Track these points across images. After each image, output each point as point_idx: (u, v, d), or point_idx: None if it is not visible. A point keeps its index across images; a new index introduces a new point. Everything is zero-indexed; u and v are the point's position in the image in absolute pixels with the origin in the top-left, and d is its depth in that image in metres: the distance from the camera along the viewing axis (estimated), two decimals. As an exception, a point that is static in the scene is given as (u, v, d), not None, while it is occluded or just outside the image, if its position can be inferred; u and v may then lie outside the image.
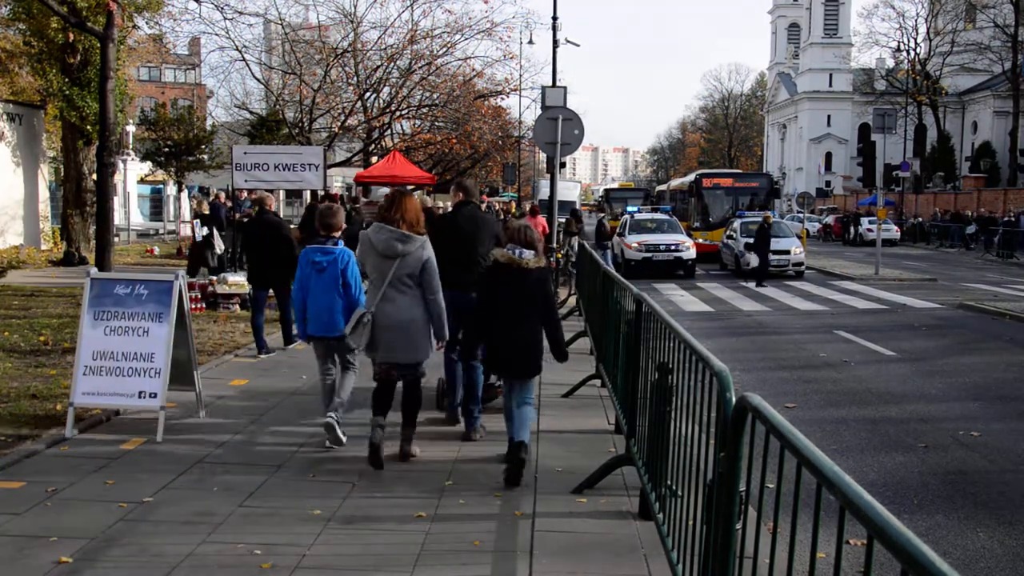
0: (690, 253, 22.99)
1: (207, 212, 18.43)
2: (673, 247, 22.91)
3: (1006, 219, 37.11)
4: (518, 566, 4.30)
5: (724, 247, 25.92)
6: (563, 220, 20.31)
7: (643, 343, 5.22)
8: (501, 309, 5.82)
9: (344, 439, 6.20)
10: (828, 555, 3.74)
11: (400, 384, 6.03)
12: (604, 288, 7.87)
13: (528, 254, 5.82)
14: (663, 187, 54.32)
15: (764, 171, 72.82)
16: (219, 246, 17.37)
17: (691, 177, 34.90)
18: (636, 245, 22.93)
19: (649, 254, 22.78)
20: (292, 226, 13.34)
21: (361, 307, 5.97)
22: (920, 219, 45.07)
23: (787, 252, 23.38)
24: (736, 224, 25.35)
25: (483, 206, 8.30)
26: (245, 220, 18.62)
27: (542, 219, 17.66)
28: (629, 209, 27.91)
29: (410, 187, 28.10)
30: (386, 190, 26.39)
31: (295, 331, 7.97)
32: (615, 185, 76.61)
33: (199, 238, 17.84)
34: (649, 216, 26.31)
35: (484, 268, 6.23)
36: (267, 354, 9.94)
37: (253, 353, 9.99)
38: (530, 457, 5.81)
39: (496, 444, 6.43)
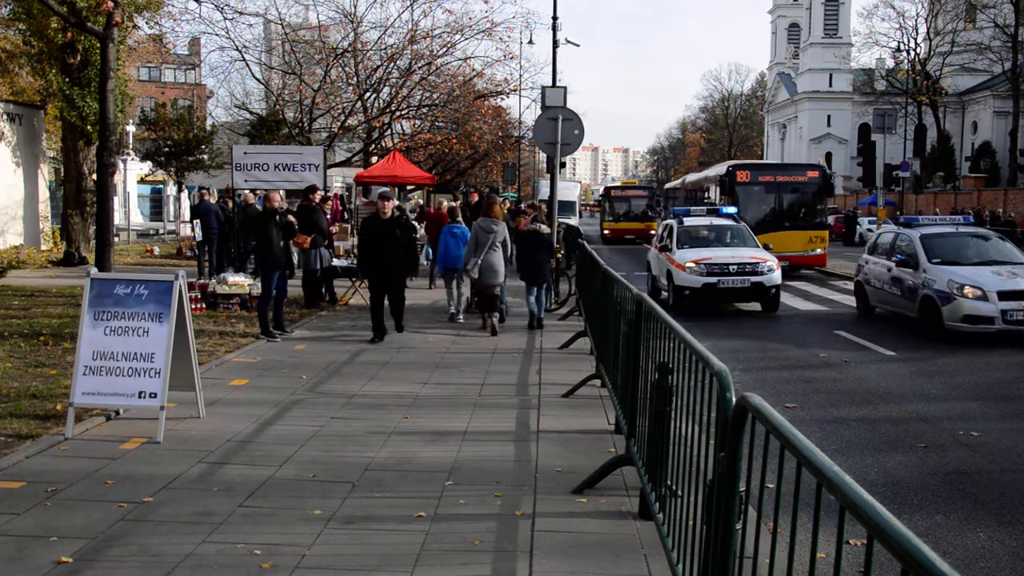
0: (773, 276, 15.49)
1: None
2: (749, 268, 15.46)
3: (1005, 219, 37.10)
4: (518, 566, 4.30)
5: (874, 279, 14.90)
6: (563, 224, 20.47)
7: (643, 343, 5.22)
8: (528, 253, 12.69)
9: (461, 320, 12.95)
10: (828, 555, 3.75)
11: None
12: (604, 288, 7.87)
13: (543, 227, 13.05)
14: (675, 183, 44.27)
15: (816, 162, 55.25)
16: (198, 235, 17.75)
17: (720, 169, 27.36)
18: (693, 265, 15.44)
19: (713, 278, 15.23)
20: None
21: (474, 257, 12.03)
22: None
23: None
24: (913, 238, 13.92)
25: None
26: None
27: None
28: (676, 210, 19.24)
29: (409, 188, 28.18)
30: (385, 190, 26.51)
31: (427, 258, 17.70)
32: (617, 184, 72.46)
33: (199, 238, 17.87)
34: (706, 221, 17.93)
35: (517, 235, 13.45)
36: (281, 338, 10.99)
37: (254, 352, 10.02)
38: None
39: (495, 443, 6.45)
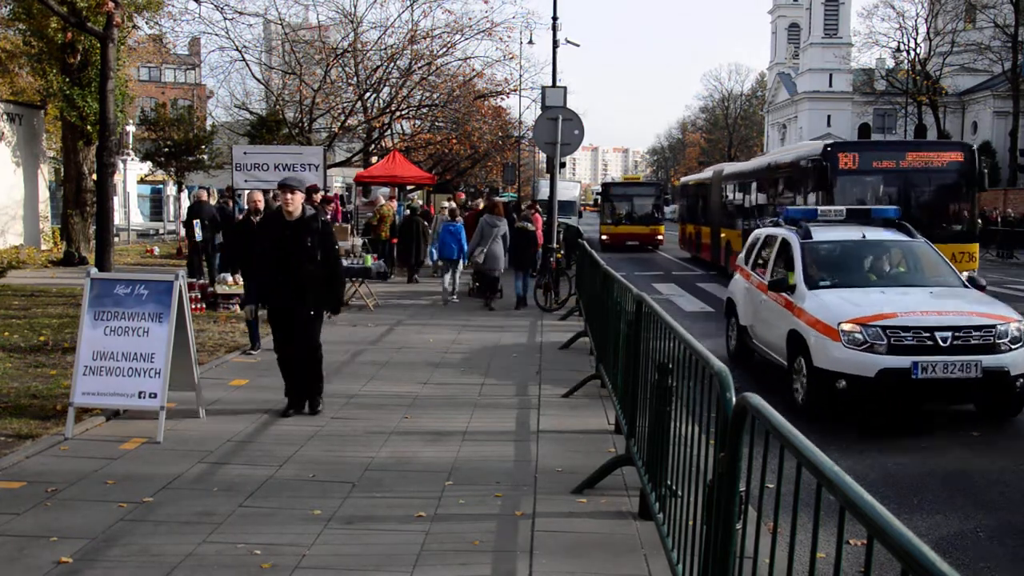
0: (1017, 354, 7.54)
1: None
2: (976, 337, 7.53)
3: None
4: (518, 566, 4.30)
5: None
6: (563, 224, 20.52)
7: (643, 343, 5.21)
8: (518, 245, 15.15)
9: (455, 300, 15.37)
10: (828, 555, 3.75)
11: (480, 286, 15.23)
12: (604, 288, 7.87)
13: (530, 225, 15.71)
14: (699, 177, 31.35)
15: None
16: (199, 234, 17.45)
17: (810, 149, 17.40)
18: (855, 329, 7.59)
19: (903, 359, 7.41)
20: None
21: (480, 247, 14.54)
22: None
23: None
24: None
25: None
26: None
27: (538, 217, 18.10)
28: (790, 211, 10.51)
29: (409, 187, 28.19)
30: (386, 190, 26.58)
31: (432, 258, 18.97)
32: (617, 180, 64.64)
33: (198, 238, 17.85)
34: (855, 234, 9.53)
35: (511, 231, 15.33)
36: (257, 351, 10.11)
37: (254, 352, 10.01)
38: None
39: (495, 443, 6.45)
